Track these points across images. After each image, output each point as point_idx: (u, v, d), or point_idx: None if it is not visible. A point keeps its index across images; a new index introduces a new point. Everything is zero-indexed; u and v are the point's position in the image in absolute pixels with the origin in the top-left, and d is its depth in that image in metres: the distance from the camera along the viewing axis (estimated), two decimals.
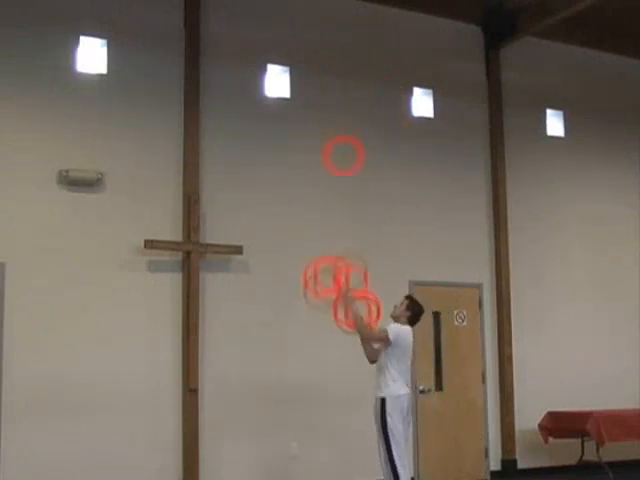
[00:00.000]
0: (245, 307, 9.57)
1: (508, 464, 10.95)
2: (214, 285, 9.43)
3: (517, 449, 11.03)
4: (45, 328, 8.59)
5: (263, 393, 9.50)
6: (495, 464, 10.94)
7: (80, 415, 8.59)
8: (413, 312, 7.45)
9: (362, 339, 7.38)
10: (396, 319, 7.42)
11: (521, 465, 11.04)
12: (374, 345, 7.38)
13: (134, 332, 8.99)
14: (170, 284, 9.25)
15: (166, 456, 8.98)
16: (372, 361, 7.41)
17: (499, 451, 10.98)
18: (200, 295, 9.23)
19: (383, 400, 7.10)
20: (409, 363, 7.34)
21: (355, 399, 9.82)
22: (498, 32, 11.49)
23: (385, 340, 7.16)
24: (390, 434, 6.99)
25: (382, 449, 7.06)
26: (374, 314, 7.60)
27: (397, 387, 7.13)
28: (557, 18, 10.94)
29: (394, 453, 6.96)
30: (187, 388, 9.06)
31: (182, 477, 9.01)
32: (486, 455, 10.87)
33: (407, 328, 7.35)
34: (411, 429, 7.25)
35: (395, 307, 7.48)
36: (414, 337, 7.40)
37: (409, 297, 7.61)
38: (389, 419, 7.02)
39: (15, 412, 8.29)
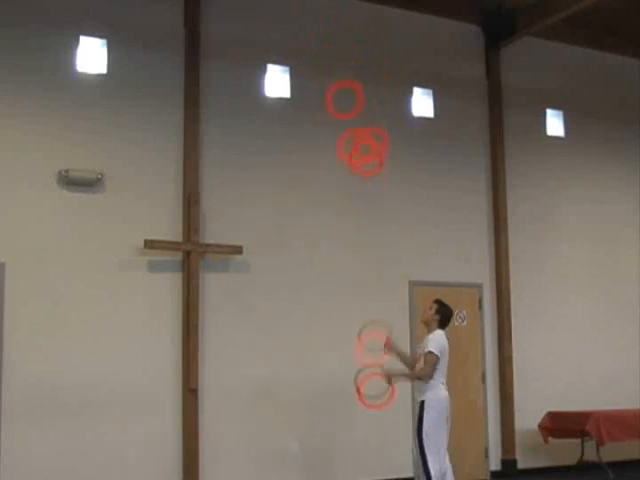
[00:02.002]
0: (245, 307, 9.57)
1: (508, 464, 10.95)
2: (214, 285, 9.43)
3: (517, 449, 11.03)
4: (45, 328, 8.59)
5: (263, 393, 9.50)
6: (495, 464, 10.94)
7: (80, 415, 8.59)
8: (442, 315, 7.57)
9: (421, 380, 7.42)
10: (426, 324, 7.58)
11: (521, 465, 11.04)
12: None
13: (134, 332, 8.99)
14: (170, 284, 9.24)
15: (166, 456, 8.97)
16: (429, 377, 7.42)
17: (499, 451, 10.99)
18: (200, 295, 9.23)
19: (422, 403, 7.24)
20: (446, 364, 7.45)
21: (355, 399, 9.82)
22: (498, 32, 11.49)
23: (437, 363, 7.29)
24: (424, 436, 7.15)
25: (415, 449, 7.23)
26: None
27: (437, 391, 7.29)
28: (557, 18, 10.94)
29: (427, 454, 7.11)
30: (187, 388, 9.06)
31: (182, 477, 9.01)
32: (486, 455, 10.88)
33: (442, 334, 7.47)
34: (449, 426, 7.38)
35: (424, 312, 7.63)
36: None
37: (438, 301, 7.68)
38: (426, 424, 7.17)
39: (15, 412, 8.29)
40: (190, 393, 9.07)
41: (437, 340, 7.38)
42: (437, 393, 7.27)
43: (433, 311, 7.56)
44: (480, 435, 10.89)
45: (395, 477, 9.65)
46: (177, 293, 9.25)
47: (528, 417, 10.94)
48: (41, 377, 8.48)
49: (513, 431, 11.01)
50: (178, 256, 9.29)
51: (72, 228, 8.89)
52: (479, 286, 11.19)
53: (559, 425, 10.73)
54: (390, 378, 7.35)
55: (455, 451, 10.49)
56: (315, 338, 9.77)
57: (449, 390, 7.37)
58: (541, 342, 11.38)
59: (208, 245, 9.37)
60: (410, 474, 10.22)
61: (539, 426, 10.86)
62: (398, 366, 7.61)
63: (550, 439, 10.78)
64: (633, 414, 10.91)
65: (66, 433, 8.51)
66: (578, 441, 10.87)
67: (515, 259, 11.35)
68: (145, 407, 8.91)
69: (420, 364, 7.39)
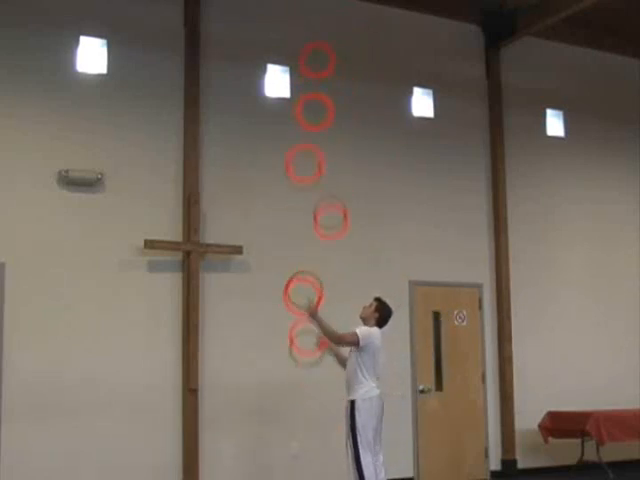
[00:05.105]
0: (245, 307, 9.57)
1: (508, 464, 10.95)
2: (214, 285, 9.43)
3: (517, 449, 11.04)
4: (45, 328, 8.59)
5: (263, 393, 9.50)
6: (495, 464, 10.94)
7: (80, 415, 8.59)
8: (381, 314, 7.48)
9: (332, 342, 7.42)
10: (364, 320, 7.46)
11: (521, 465, 11.04)
12: (340, 347, 7.50)
13: (134, 332, 8.99)
14: (170, 284, 9.25)
15: (166, 456, 8.98)
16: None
17: (499, 451, 10.99)
18: (200, 295, 9.23)
19: (353, 402, 7.17)
20: (380, 365, 7.36)
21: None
22: (498, 32, 11.49)
23: (355, 343, 7.20)
24: (358, 436, 7.07)
25: (350, 450, 7.12)
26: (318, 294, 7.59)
27: (367, 389, 7.19)
28: (557, 18, 10.95)
29: (361, 455, 7.03)
30: (187, 388, 9.06)
31: (182, 477, 9.02)
32: (486, 455, 10.87)
33: (376, 330, 7.38)
34: (382, 427, 7.32)
35: (364, 308, 7.53)
36: (387, 339, 7.49)
37: (378, 299, 7.58)
38: (358, 422, 7.09)
39: (15, 412, 8.30)
40: (190, 393, 9.07)
41: (368, 330, 7.27)
42: (368, 392, 7.17)
43: (372, 309, 7.47)
44: (480, 435, 10.89)
45: (395, 477, 9.65)
46: (177, 293, 9.25)
47: (528, 417, 10.94)
48: (41, 377, 8.49)
49: (513, 431, 11.01)
50: (178, 256, 9.29)
51: (72, 228, 8.89)
52: (479, 286, 11.20)
53: (559, 425, 10.73)
54: (311, 312, 7.36)
55: (455, 451, 10.63)
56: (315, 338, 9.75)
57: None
58: (541, 342, 11.38)
59: (208, 245, 9.38)
60: (408, 474, 10.28)
61: (539, 426, 10.86)
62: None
63: (550, 439, 10.78)
64: (633, 414, 10.91)
65: (66, 433, 8.52)
66: (578, 441, 10.87)
67: (515, 259, 11.35)
68: (145, 407, 8.91)
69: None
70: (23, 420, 8.33)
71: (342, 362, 7.59)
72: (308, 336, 7.71)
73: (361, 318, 7.49)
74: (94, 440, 8.61)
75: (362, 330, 7.27)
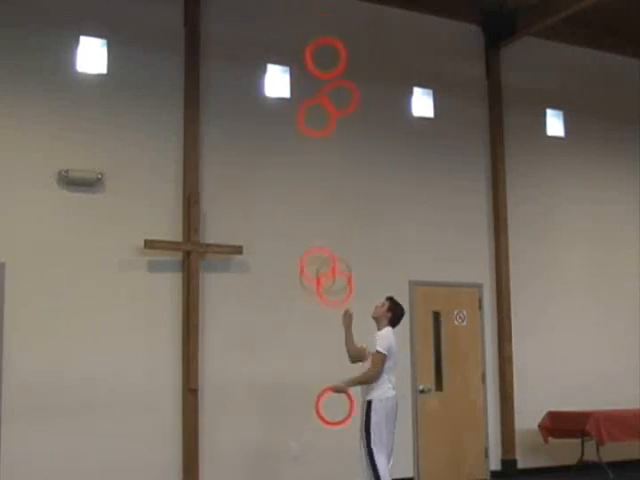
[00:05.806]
0: (245, 307, 9.58)
1: (508, 464, 10.95)
2: (214, 285, 9.44)
3: (517, 449, 11.03)
4: (45, 328, 8.59)
5: (263, 393, 9.50)
6: (495, 464, 10.94)
7: (80, 415, 8.59)
8: (394, 314, 7.45)
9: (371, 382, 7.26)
10: (377, 320, 7.44)
11: (521, 465, 11.04)
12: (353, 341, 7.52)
13: (134, 332, 8.99)
14: (170, 284, 9.25)
15: (166, 456, 8.97)
16: (354, 362, 7.46)
17: (499, 451, 10.99)
18: (200, 295, 9.23)
19: (370, 402, 7.17)
20: (394, 365, 7.35)
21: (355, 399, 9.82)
22: (498, 32, 11.49)
23: (384, 362, 7.18)
24: (372, 435, 7.07)
25: (363, 450, 7.13)
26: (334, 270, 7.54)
27: (384, 390, 7.19)
28: (557, 18, 10.95)
29: (375, 454, 7.05)
30: (187, 388, 9.06)
31: (182, 477, 9.01)
32: (486, 455, 10.87)
33: (391, 332, 7.35)
34: (395, 430, 7.32)
35: (376, 308, 7.49)
36: (397, 337, 7.44)
37: (390, 298, 7.55)
38: (373, 422, 7.10)
39: (15, 412, 8.30)
40: (190, 393, 9.07)
41: (385, 338, 7.24)
42: (384, 393, 7.16)
43: (385, 308, 7.43)
44: (480, 435, 10.89)
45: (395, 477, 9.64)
46: (177, 293, 9.25)
47: (528, 417, 10.94)
48: (41, 377, 8.49)
49: (513, 431, 11.01)
50: (178, 256, 9.29)
51: (72, 228, 8.89)
52: (479, 286, 11.19)
53: (559, 425, 10.73)
54: (341, 390, 7.27)
55: (455, 451, 10.62)
56: (315, 338, 9.76)
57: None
58: (541, 342, 11.38)
59: (208, 245, 9.38)
60: (408, 474, 10.28)
61: (539, 426, 10.86)
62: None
63: (550, 439, 10.78)
64: (633, 414, 10.91)
65: (66, 433, 8.52)
66: (578, 441, 10.87)
67: (515, 259, 11.35)
68: (145, 407, 8.91)
69: (368, 364, 7.24)
70: (23, 420, 8.33)
71: (349, 343, 7.54)
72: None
73: (373, 318, 7.45)
74: (94, 440, 8.61)
75: (382, 342, 7.21)
